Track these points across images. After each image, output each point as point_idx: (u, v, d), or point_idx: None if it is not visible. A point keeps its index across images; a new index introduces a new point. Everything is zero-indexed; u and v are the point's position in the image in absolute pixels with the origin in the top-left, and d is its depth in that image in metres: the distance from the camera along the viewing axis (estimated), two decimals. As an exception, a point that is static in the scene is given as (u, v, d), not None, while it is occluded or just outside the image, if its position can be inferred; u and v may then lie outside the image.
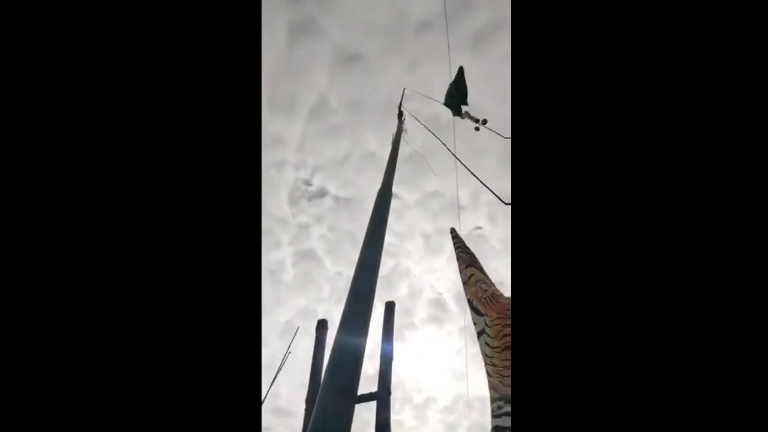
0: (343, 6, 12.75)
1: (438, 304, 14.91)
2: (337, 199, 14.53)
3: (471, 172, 2.74)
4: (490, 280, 3.42)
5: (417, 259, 14.80)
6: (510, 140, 1.20)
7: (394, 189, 3.09)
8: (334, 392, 1.38)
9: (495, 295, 3.31)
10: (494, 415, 3.03)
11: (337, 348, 1.56)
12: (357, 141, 14.21)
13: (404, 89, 6.43)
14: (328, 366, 1.50)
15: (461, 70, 6.13)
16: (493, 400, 3.10)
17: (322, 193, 14.52)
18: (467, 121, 5.83)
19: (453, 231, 3.91)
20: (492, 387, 3.15)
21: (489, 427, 2.98)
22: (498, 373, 3.11)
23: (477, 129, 5.39)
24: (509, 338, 3.05)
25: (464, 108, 5.98)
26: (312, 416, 1.31)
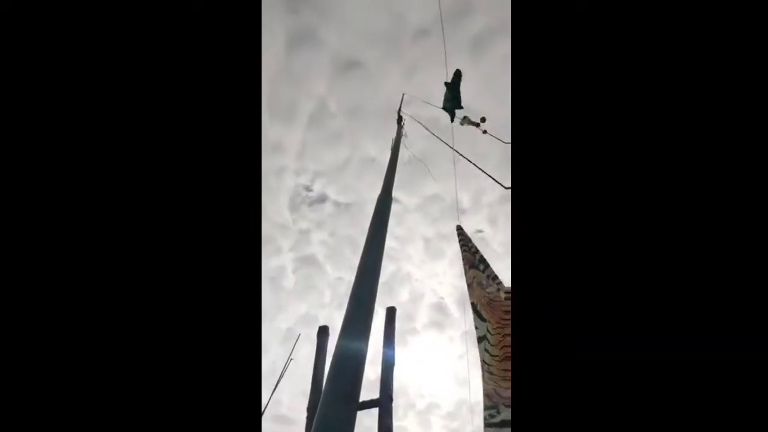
0: (341, 14, 12.84)
1: (439, 308, 14.88)
2: (337, 204, 14.55)
3: (469, 161, 2.73)
4: (492, 275, 3.39)
5: (418, 263, 14.80)
6: (510, 144, 1.20)
7: (395, 193, 3.09)
8: (335, 399, 1.37)
9: (492, 300, 3.29)
10: (486, 423, 3.01)
11: (338, 354, 1.55)
12: (356, 146, 14.25)
13: (403, 94, 6.46)
14: (329, 373, 1.49)
15: (457, 73, 6.16)
16: (486, 407, 3.09)
17: (322, 199, 14.54)
18: (466, 124, 5.85)
19: (459, 228, 3.90)
20: (486, 394, 3.13)
21: None
22: (495, 382, 3.10)
23: (484, 132, 5.40)
24: (509, 349, 3.03)
25: (460, 113, 6.00)
26: (314, 424, 1.30)
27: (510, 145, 1.19)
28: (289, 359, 3.65)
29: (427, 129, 4.44)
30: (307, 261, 14.59)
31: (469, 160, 2.89)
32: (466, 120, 5.89)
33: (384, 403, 3.17)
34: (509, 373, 3.01)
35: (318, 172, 14.55)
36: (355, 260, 2.20)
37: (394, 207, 2.94)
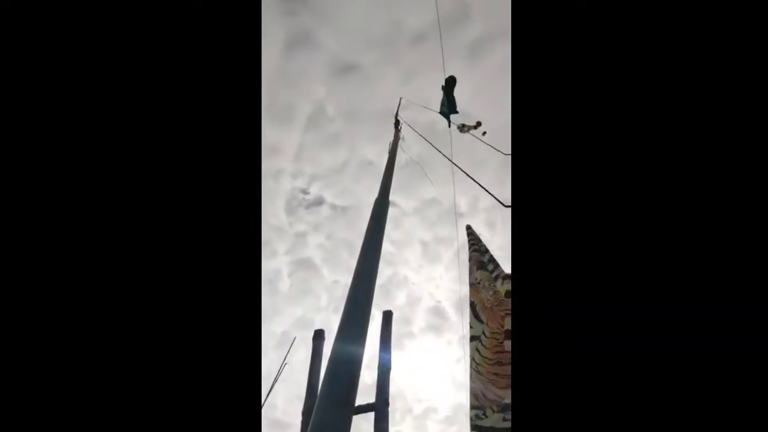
0: (339, 17, 12.88)
1: (437, 312, 14.87)
2: (334, 207, 14.54)
3: (468, 176, 2.73)
4: (502, 275, 3.38)
5: (415, 267, 14.79)
6: (508, 152, 1.20)
7: (392, 197, 3.08)
8: (331, 403, 1.36)
9: (494, 305, 3.29)
10: (473, 425, 3.01)
11: (334, 358, 1.54)
12: (354, 149, 14.27)
13: (401, 98, 6.47)
14: (325, 376, 1.48)
15: (450, 79, 6.18)
16: (472, 407, 3.09)
17: (319, 202, 14.53)
18: (465, 131, 5.87)
19: (468, 228, 3.90)
20: (473, 394, 3.13)
21: None
22: (482, 382, 3.10)
23: (484, 133, 5.43)
24: (502, 355, 3.04)
25: (455, 118, 6.02)
26: (309, 428, 1.29)
27: (509, 156, 1.19)
28: (284, 363, 3.63)
29: (424, 138, 4.45)
30: (304, 264, 14.57)
31: (467, 173, 2.89)
32: (465, 128, 5.91)
33: (380, 408, 3.16)
34: (498, 378, 3.02)
35: (315, 175, 14.56)
36: (352, 263, 2.19)
37: (391, 210, 2.94)
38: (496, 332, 3.13)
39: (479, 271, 3.47)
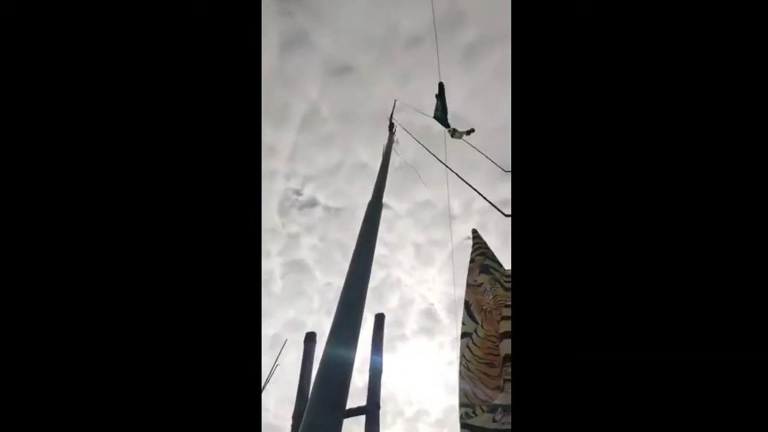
0: (335, 18, 12.90)
1: (429, 314, 14.87)
2: (327, 209, 14.51)
3: (467, 183, 2.74)
4: (506, 273, 3.41)
5: (408, 269, 14.79)
6: (501, 156, 1.21)
7: (386, 199, 3.08)
8: (322, 406, 1.35)
9: (488, 310, 3.32)
10: (462, 423, 3.02)
11: (325, 361, 1.53)
12: (348, 151, 14.26)
13: (395, 101, 6.48)
14: (316, 379, 1.48)
15: (439, 85, 6.23)
16: (462, 405, 3.10)
17: (312, 203, 14.49)
18: (458, 137, 5.90)
19: (474, 232, 3.92)
20: (463, 392, 3.15)
21: None
22: (471, 380, 3.12)
23: (471, 130, 5.48)
24: (494, 357, 3.05)
25: (451, 126, 6.06)
26: (299, 431, 1.28)
27: (504, 159, 1.20)
28: (275, 365, 3.61)
29: (417, 141, 4.45)
30: (296, 266, 14.51)
31: (464, 180, 2.90)
32: (457, 133, 5.95)
33: (371, 411, 3.15)
34: (488, 378, 3.03)
35: (309, 176, 14.52)
36: (345, 265, 2.19)
37: (384, 213, 2.94)
38: (492, 335, 3.15)
39: (482, 275, 3.50)
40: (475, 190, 2.60)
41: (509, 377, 2.76)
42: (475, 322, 3.34)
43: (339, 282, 2.02)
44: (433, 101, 6.49)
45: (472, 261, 3.69)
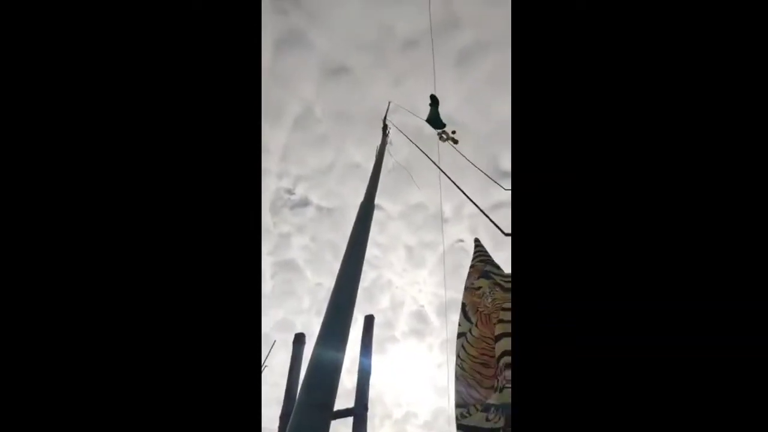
0: (331, 18, 12.89)
1: (419, 316, 14.87)
2: (319, 209, 14.47)
3: (466, 195, 2.75)
4: (505, 275, 3.46)
5: (399, 271, 14.79)
6: (496, 159, 1.21)
7: (378, 200, 3.08)
8: (309, 408, 1.35)
9: (486, 314, 3.36)
10: (458, 424, 3.04)
11: (314, 362, 1.53)
12: (341, 151, 14.24)
13: (389, 102, 6.48)
14: (304, 380, 1.47)
15: (432, 97, 6.29)
16: (457, 405, 3.13)
17: (304, 203, 14.44)
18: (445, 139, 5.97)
19: (477, 241, 3.98)
20: (458, 391, 3.17)
21: None
22: (465, 379, 3.15)
23: (453, 132, 5.63)
24: (489, 358, 3.07)
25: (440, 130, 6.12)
26: (287, 431, 1.28)
27: (494, 168, 1.20)
28: (263, 365, 3.59)
29: (412, 142, 4.46)
30: (287, 266, 14.44)
31: (461, 189, 2.91)
32: (444, 136, 6.00)
33: (359, 412, 3.15)
34: (482, 378, 3.06)
35: (301, 176, 14.47)
36: (336, 266, 2.18)
37: (376, 214, 2.94)
38: (487, 336, 3.18)
39: (481, 279, 3.54)
40: (468, 197, 2.61)
41: (509, 384, 2.78)
42: (470, 322, 3.37)
43: (329, 282, 2.01)
44: (427, 104, 6.52)
45: (472, 266, 3.74)
